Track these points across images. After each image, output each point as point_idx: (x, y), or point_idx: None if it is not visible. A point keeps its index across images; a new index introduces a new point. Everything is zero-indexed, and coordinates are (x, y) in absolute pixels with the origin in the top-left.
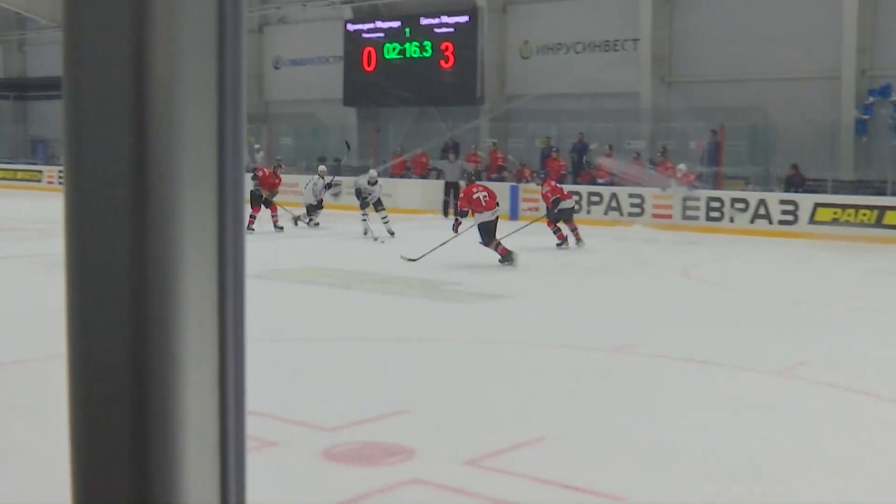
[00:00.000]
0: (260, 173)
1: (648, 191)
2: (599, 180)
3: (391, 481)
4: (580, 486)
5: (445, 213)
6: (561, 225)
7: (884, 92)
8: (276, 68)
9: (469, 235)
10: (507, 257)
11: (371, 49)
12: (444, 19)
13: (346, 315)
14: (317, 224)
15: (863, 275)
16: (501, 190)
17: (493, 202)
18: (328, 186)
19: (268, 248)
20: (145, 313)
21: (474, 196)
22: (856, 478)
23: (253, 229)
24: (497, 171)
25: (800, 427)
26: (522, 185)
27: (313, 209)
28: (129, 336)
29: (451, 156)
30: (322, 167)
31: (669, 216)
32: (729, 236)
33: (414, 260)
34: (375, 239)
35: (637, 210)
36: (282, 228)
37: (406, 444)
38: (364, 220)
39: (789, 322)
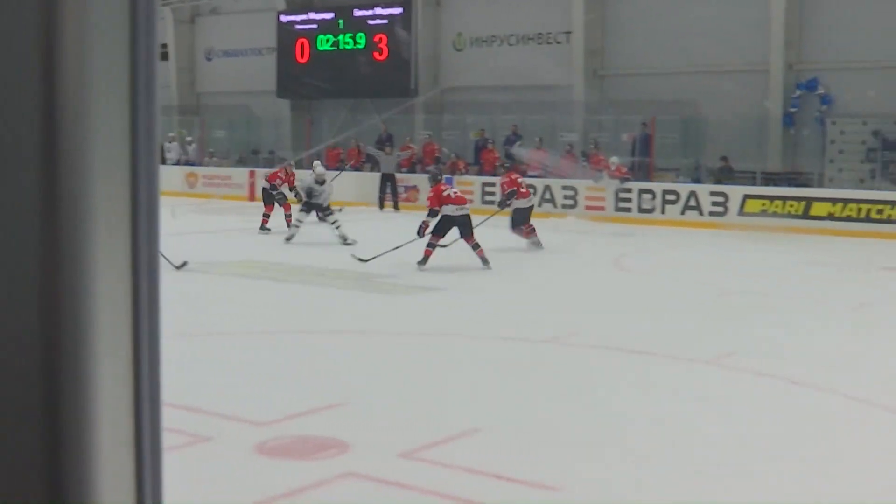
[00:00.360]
0: (283, 174)
1: (582, 183)
2: (531, 172)
3: (326, 475)
4: (515, 477)
5: (381, 206)
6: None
7: (810, 85)
8: (209, 59)
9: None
10: (484, 260)
11: (304, 40)
12: (378, 11)
13: (283, 308)
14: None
15: (790, 265)
16: None
17: (462, 198)
18: (321, 183)
19: (210, 242)
20: (56, 307)
21: (444, 193)
22: (784, 463)
23: (269, 229)
24: (433, 163)
25: (731, 415)
26: (456, 178)
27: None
28: (41, 331)
29: (388, 148)
30: (316, 162)
31: (602, 208)
32: (661, 228)
33: (365, 260)
34: (349, 242)
35: (571, 202)
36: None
37: (341, 437)
38: (297, 225)
39: (720, 312)
